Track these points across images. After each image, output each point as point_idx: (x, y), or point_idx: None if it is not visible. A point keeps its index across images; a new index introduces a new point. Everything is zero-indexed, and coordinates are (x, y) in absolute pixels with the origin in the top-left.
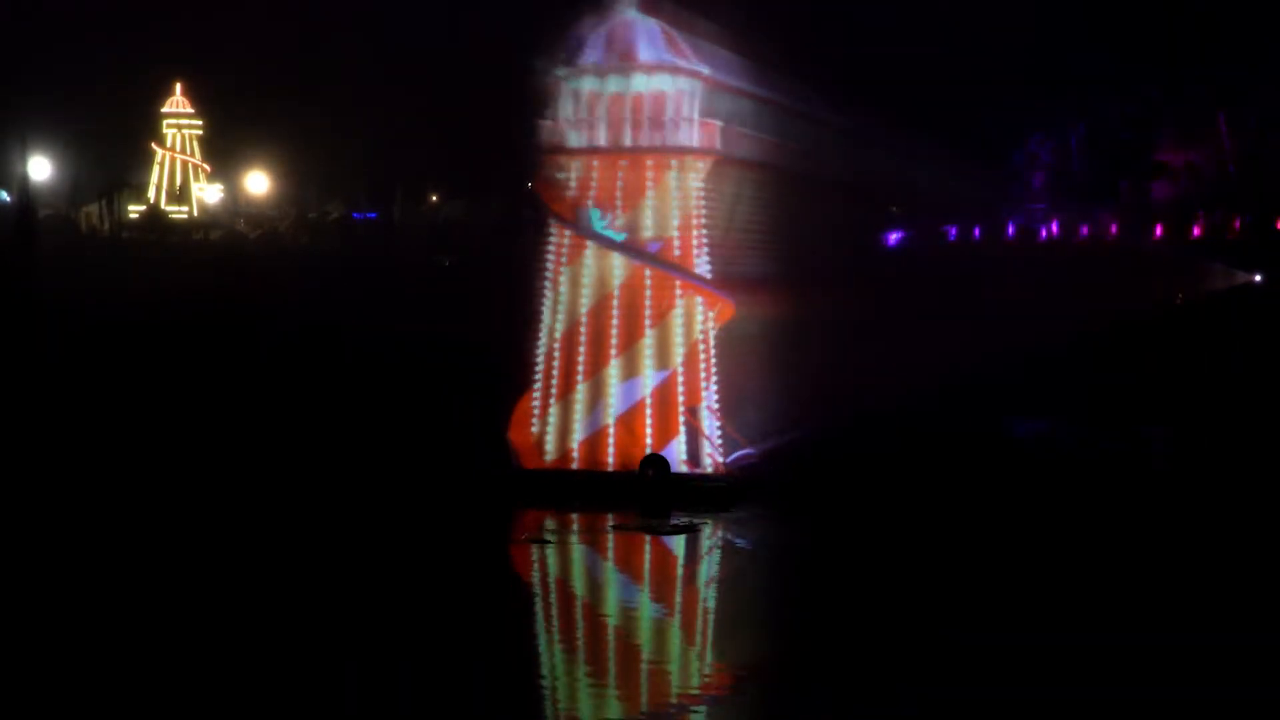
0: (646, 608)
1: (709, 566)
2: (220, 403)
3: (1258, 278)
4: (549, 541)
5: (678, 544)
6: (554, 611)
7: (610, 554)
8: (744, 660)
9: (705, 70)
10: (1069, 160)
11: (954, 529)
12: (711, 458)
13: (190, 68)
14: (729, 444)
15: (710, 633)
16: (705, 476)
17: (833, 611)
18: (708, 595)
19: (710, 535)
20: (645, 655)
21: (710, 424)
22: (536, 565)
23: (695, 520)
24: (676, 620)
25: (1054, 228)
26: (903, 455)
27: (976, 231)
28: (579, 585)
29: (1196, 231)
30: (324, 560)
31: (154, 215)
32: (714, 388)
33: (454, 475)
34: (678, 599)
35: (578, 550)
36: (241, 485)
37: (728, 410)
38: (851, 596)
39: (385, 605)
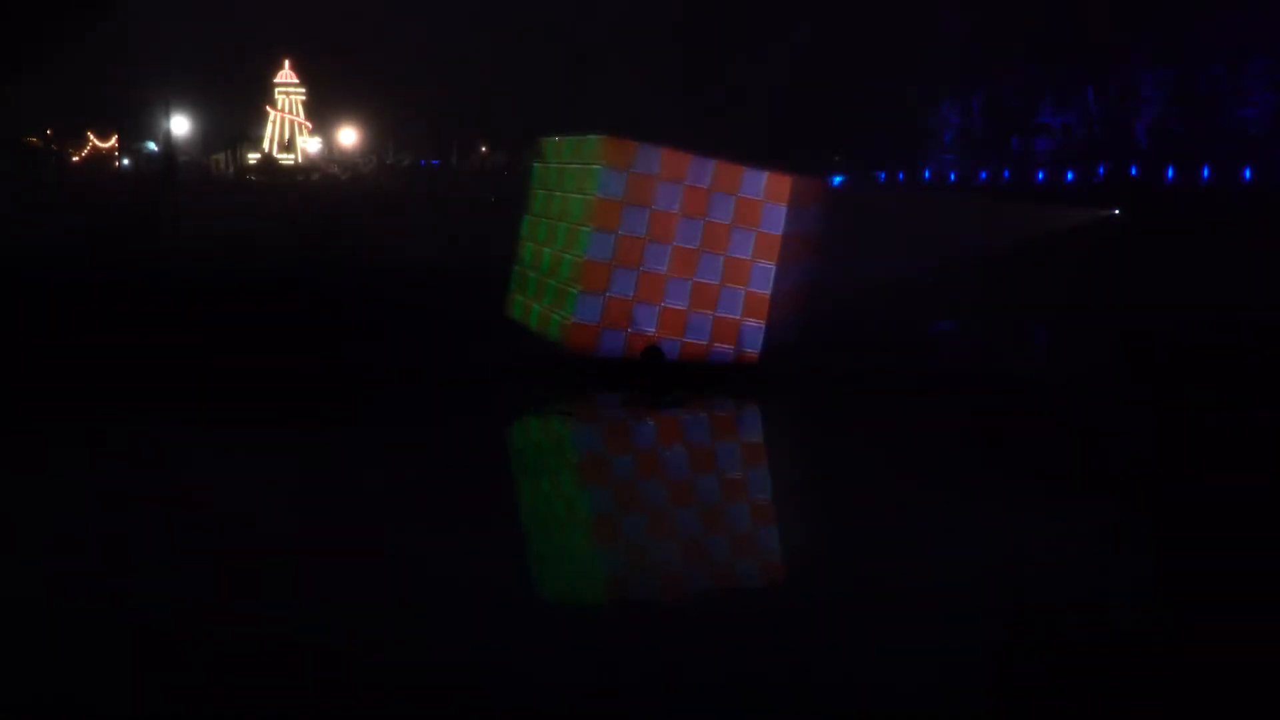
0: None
1: (695, 434)
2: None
3: (1116, 211)
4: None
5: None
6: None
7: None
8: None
9: None
10: (971, 121)
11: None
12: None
13: (297, 48)
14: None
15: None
16: (701, 364)
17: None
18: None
19: (701, 408)
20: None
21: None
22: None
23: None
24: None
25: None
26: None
27: (900, 176)
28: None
29: (1070, 176)
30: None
31: (267, 161)
32: None
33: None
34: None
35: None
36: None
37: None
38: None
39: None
